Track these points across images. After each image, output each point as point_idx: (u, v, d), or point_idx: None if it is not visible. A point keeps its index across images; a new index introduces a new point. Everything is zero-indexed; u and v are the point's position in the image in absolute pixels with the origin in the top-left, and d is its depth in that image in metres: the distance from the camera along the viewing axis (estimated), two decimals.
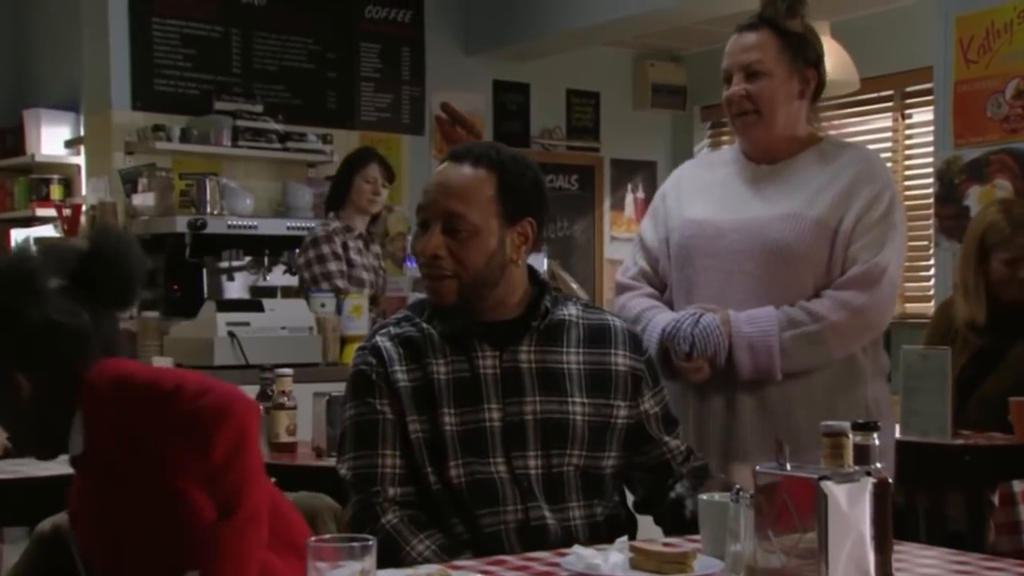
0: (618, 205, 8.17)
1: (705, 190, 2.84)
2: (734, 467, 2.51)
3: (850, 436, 1.66)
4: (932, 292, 5.47)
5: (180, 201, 6.23)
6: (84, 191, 6.66)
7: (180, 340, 4.79)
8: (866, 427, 1.69)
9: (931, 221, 5.31)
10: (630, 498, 2.41)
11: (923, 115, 6.59)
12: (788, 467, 1.65)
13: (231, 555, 1.79)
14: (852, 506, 1.60)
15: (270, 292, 5.57)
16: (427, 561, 2.08)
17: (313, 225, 5.60)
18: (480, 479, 2.19)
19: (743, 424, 2.69)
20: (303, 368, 4.19)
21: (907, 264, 5.84)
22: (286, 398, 3.40)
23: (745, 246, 2.70)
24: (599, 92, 8.02)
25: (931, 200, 5.31)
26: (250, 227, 6.04)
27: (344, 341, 4.78)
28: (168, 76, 6.42)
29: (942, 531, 3.44)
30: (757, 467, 1.68)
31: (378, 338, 2.30)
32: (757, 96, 2.73)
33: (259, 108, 6.48)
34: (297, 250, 5.41)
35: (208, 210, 6.00)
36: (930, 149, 5.58)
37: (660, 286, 2.88)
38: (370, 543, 1.55)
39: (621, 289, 2.92)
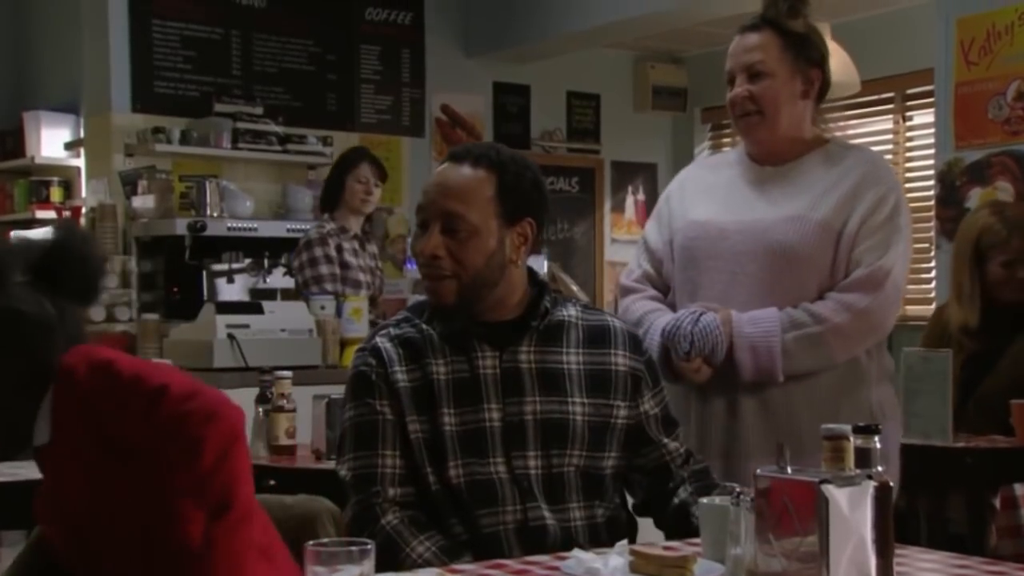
0: (618, 207, 8.16)
1: (709, 192, 2.83)
2: None
3: (851, 439, 1.65)
4: (933, 295, 5.46)
5: (180, 203, 6.23)
6: (84, 193, 6.66)
7: (179, 342, 4.78)
8: (867, 430, 1.68)
9: (932, 223, 5.30)
10: (630, 500, 2.40)
11: (924, 117, 6.59)
12: (789, 470, 1.64)
13: (225, 555, 1.80)
14: (853, 510, 1.59)
15: (270, 294, 5.56)
16: (427, 563, 2.09)
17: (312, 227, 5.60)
18: (479, 479, 2.19)
19: (745, 426, 2.68)
20: (302, 370, 4.19)
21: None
22: (285, 401, 3.39)
23: (749, 248, 2.70)
24: (599, 94, 8.03)
25: (932, 202, 5.31)
26: (250, 229, 6.05)
27: (344, 343, 4.77)
28: (168, 78, 6.42)
29: (943, 534, 3.43)
30: (758, 470, 1.67)
31: (378, 339, 2.30)
32: (760, 97, 2.72)
33: (259, 110, 6.48)
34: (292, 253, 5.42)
35: (208, 212, 6.00)
36: (931, 151, 5.57)
37: (664, 289, 2.87)
38: (368, 547, 1.55)
39: (625, 292, 2.91)
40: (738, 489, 1.75)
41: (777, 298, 2.67)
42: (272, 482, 3.07)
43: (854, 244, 2.66)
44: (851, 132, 6.71)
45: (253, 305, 4.92)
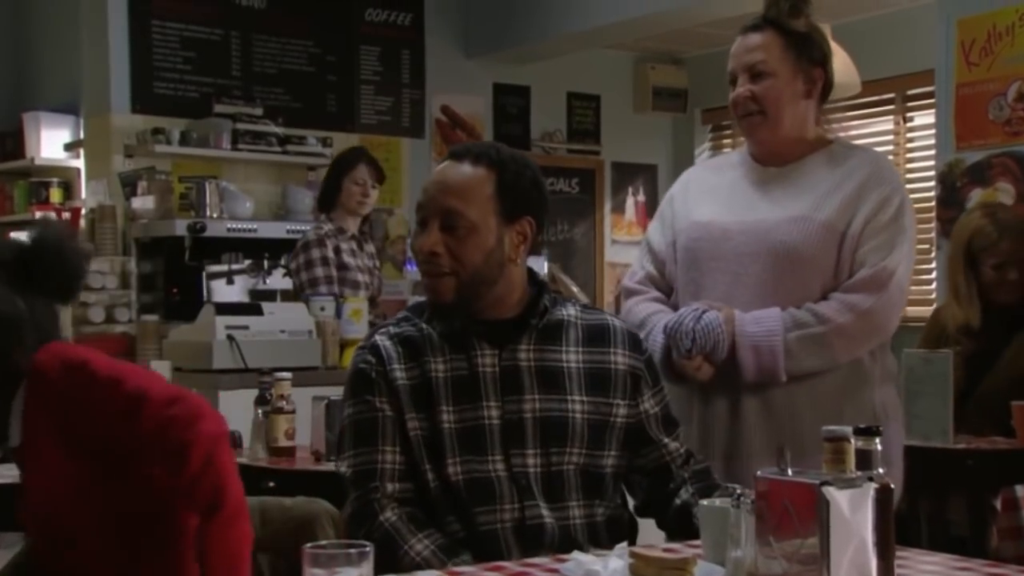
0: (619, 208, 8.16)
1: (712, 192, 2.82)
2: None
3: (852, 441, 1.64)
4: (934, 295, 5.46)
5: (179, 204, 6.23)
6: (84, 194, 6.66)
7: (179, 344, 4.78)
8: (868, 432, 1.67)
9: (933, 224, 5.29)
10: (631, 501, 2.40)
11: (925, 118, 6.59)
12: (790, 472, 1.63)
13: (222, 551, 1.81)
14: (854, 512, 1.58)
15: (269, 295, 5.56)
16: (425, 560, 2.09)
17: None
18: (478, 477, 2.18)
19: (748, 427, 2.68)
20: (302, 372, 4.19)
21: None
22: (285, 402, 3.38)
23: (752, 249, 2.69)
24: (600, 95, 8.02)
25: (933, 203, 5.30)
26: (250, 230, 6.04)
27: (344, 345, 4.76)
28: (168, 79, 6.42)
29: (944, 536, 3.43)
30: (758, 472, 1.67)
31: (377, 337, 2.30)
32: (762, 97, 2.71)
33: (259, 111, 6.47)
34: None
35: (207, 213, 6.00)
36: (932, 152, 5.57)
37: (667, 290, 2.87)
38: (367, 549, 1.54)
39: (628, 293, 2.91)
40: (739, 491, 1.74)
41: (780, 299, 2.66)
42: (271, 484, 3.07)
43: (858, 245, 2.65)
44: (852, 133, 6.70)
45: (252, 306, 4.92)
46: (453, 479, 2.18)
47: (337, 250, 5.17)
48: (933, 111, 5.36)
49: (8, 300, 1.92)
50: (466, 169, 2.25)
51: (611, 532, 2.22)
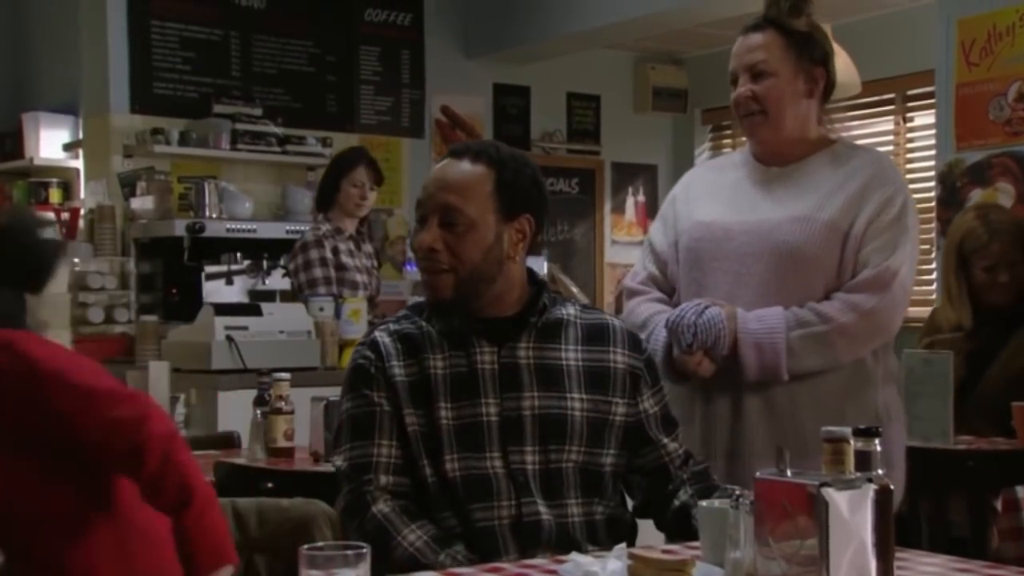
0: (619, 208, 8.15)
1: (714, 193, 2.82)
2: None
3: (851, 442, 1.64)
4: (934, 296, 5.45)
5: (179, 204, 6.22)
6: (83, 194, 6.66)
7: (178, 344, 4.78)
8: (867, 433, 1.67)
9: (933, 225, 5.29)
10: (630, 502, 2.39)
11: (925, 118, 6.59)
12: (789, 473, 1.63)
13: (204, 541, 1.83)
14: (853, 513, 1.58)
15: (269, 296, 5.55)
16: (419, 551, 2.09)
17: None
18: (475, 474, 2.18)
19: (750, 427, 2.67)
20: (301, 372, 4.18)
21: None
22: (283, 403, 3.37)
23: (754, 249, 2.68)
24: (600, 95, 8.02)
25: (933, 204, 5.30)
26: (249, 231, 6.04)
27: (343, 345, 4.76)
28: (167, 79, 6.41)
29: (945, 537, 3.42)
30: (757, 473, 1.66)
31: (376, 334, 2.30)
32: (763, 96, 2.71)
33: (258, 111, 6.47)
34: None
35: (207, 213, 5.99)
36: (932, 152, 5.57)
37: (669, 291, 2.86)
38: (364, 551, 1.54)
39: (630, 294, 2.91)
40: (737, 492, 1.74)
41: (783, 299, 2.65)
42: (269, 485, 3.05)
43: (861, 245, 2.65)
44: (852, 133, 6.68)
45: (252, 307, 4.92)
46: (450, 475, 2.18)
47: (335, 250, 5.17)
48: (933, 111, 5.36)
49: None
50: (465, 166, 2.25)
51: (610, 532, 2.22)
